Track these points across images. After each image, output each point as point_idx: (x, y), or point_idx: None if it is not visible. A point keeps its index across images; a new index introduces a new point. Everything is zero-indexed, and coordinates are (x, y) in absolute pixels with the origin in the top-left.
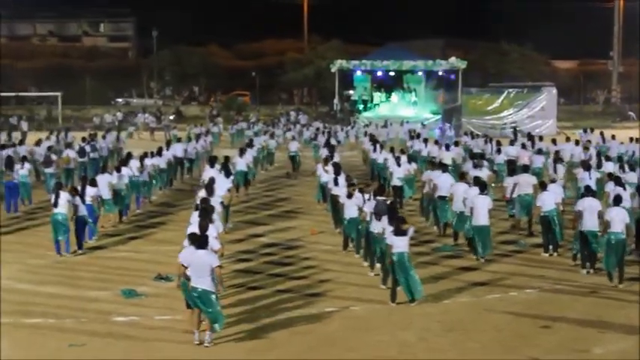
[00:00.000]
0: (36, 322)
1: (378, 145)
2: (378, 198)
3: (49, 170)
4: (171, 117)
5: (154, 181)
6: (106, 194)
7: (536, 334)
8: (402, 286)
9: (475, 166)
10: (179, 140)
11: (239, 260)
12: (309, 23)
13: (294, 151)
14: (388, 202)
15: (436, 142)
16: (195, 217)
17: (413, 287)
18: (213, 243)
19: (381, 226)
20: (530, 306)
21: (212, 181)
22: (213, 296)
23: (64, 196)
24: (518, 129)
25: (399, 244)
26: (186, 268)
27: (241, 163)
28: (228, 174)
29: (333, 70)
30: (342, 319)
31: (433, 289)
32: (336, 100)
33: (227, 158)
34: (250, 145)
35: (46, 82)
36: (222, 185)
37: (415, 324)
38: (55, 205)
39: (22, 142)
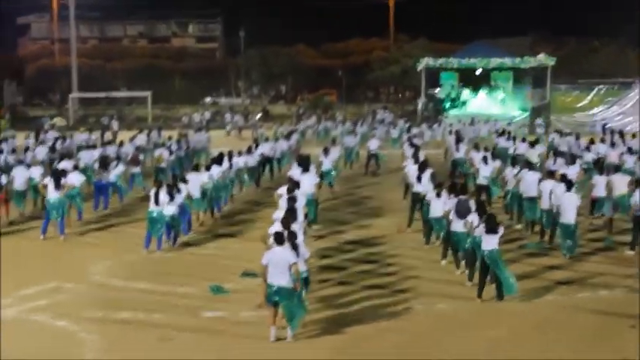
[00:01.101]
0: (126, 317)
1: (460, 144)
2: (461, 197)
3: (136, 170)
4: (258, 116)
5: (243, 180)
6: (196, 192)
7: (624, 333)
8: (496, 283)
9: (565, 164)
10: (267, 139)
11: (323, 257)
12: (395, 22)
13: (374, 150)
14: (470, 200)
15: (523, 140)
16: (279, 214)
17: (506, 284)
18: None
19: (463, 225)
20: (618, 305)
21: (293, 178)
22: (292, 293)
23: (163, 193)
24: (608, 126)
25: (491, 242)
26: (266, 266)
27: (327, 162)
28: (306, 170)
29: (419, 68)
30: (428, 317)
31: (520, 287)
32: (420, 100)
33: (307, 157)
34: (334, 143)
35: (136, 82)
36: (308, 183)
37: (503, 322)
38: (157, 202)
39: (112, 142)
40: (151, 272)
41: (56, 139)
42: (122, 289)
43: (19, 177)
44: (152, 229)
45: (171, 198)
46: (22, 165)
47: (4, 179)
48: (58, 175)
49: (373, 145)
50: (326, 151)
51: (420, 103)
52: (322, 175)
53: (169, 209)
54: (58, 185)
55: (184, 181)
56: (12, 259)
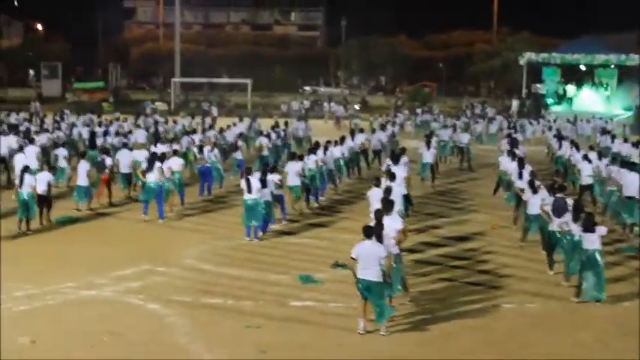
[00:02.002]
0: (215, 303)
1: (563, 141)
2: (558, 195)
3: (236, 156)
4: (357, 106)
5: (338, 170)
6: (293, 181)
7: None
8: (589, 285)
9: None
10: (362, 130)
11: (418, 251)
12: (498, 14)
13: (464, 143)
14: (568, 199)
15: (625, 140)
16: (373, 207)
17: (598, 287)
18: (390, 233)
19: (560, 223)
20: None
21: (389, 170)
22: (381, 288)
23: (255, 181)
24: None
25: (591, 241)
26: (355, 260)
27: (427, 155)
28: (396, 162)
29: (521, 62)
30: (518, 316)
31: (614, 290)
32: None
33: (402, 150)
34: (432, 136)
35: (237, 69)
36: (400, 174)
37: (593, 325)
38: (249, 190)
39: (211, 127)
40: (243, 259)
41: (156, 122)
42: (213, 275)
43: (124, 159)
44: (249, 216)
45: (263, 185)
46: (126, 147)
47: (108, 161)
48: (154, 159)
49: (464, 138)
50: (428, 144)
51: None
52: (423, 168)
53: (261, 196)
54: (151, 169)
55: (274, 169)
56: (110, 240)
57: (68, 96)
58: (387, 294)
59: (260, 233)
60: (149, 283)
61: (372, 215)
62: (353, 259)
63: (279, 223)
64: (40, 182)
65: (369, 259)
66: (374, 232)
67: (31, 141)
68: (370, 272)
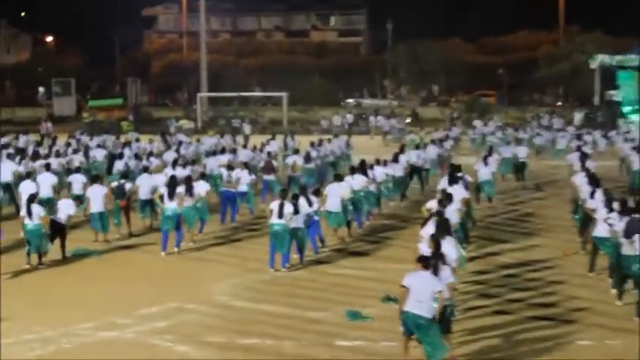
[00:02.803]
0: (252, 343)
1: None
2: (634, 215)
3: (269, 177)
4: (407, 120)
5: (385, 192)
6: (335, 206)
7: None
8: None
9: None
10: (417, 146)
11: (474, 282)
12: (566, 12)
13: (522, 158)
14: None
15: None
16: (427, 230)
17: None
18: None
19: (632, 247)
20: None
21: (444, 191)
22: (432, 325)
23: (288, 206)
24: None
25: None
26: (406, 289)
27: (485, 173)
28: (454, 183)
29: (592, 66)
30: (595, 353)
31: None
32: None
33: (457, 167)
34: (491, 152)
35: (271, 81)
36: (457, 195)
37: None
38: (280, 215)
39: (244, 146)
40: (279, 293)
41: (179, 143)
42: (248, 312)
43: (144, 185)
44: (276, 244)
45: (296, 210)
46: (146, 172)
47: (127, 186)
48: (174, 184)
49: (521, 152)
50: (485, 160)
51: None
52: (479, 188)
53: (293, 222)
54: (172, 195)
55: (317, 192)
56: (131, 274)
57: (85, 115)
58: (438, 332)
59: (288, 263)
60: (177, 322)
61: (424, 240)
62: (403, 287)
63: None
64: (63, 210)
65: (423, 292)
66: (432, 262)
67: (47, 167)
68: (423, 307)
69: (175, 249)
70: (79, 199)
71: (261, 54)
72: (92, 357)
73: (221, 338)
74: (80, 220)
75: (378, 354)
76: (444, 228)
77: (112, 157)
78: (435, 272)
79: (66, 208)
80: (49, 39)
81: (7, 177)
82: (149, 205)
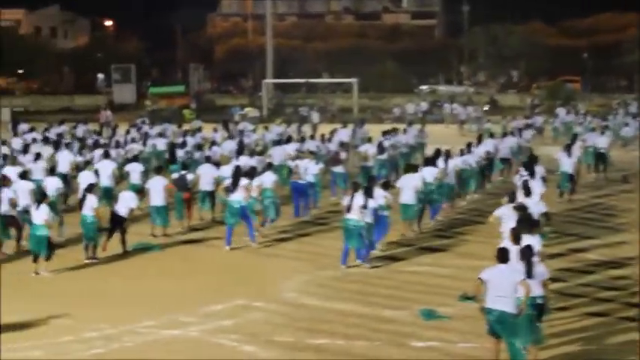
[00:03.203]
0: (322, 343)
1: None
2: None
3: (337, 169)
4: (485, 107)
5: (461, 184)
6: (409, 197)
7: None
8: None
9: None
10: (492, 135)
11: (559, 280)
12: None
13: (602, 148)
14: None
15: None
16: (507, 226)
17: None
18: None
19: None
20: None
21: (525, 183)
22: (517, 322)
23: (359, 199)
24: None
25: None
26: (482, 283)
27: (567, 164)
28: (532, 175)
29: None
30: None
31: None
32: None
33: (535, 158)
34: (575, 141)
35: (341, 66)
36: (535, 189)
37: None
38: (348, 209)
39: (312, 136)
40: (351, 291)
41: (242, 132)
42: (318, 310)
43: (205, 175)
44: (349, 240)
45: (365, 205)
46: (208, 162)
47: (189, 177)
48: (239, 175)
49: (602, 142)
50: (568, 151)
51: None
52: (562, 179)
53: (364, 217)
54: (237, 186)
55: (387, 185)
56: (194, 270)
57: (148, 103)
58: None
59: (368, 258)
60: (243, 320)
61: (505, 237)
62: (480, 279)
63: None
64: (124, 202)
65: (504, 287)
66: (523, 257)
67: (106, 155)
68: (505, 302)
69: (252, 244)
70: (141, 192)
71: (330, 38)
72: (155, 356)
73: (289, 338)
74: (140, 213)
75: (454, 356)
76: (525, 223)
77: (173, 147)
78: (529, 268)
79: (127, 201)
80: (108, 23)
81: (64, 168)
82: (210, 197)
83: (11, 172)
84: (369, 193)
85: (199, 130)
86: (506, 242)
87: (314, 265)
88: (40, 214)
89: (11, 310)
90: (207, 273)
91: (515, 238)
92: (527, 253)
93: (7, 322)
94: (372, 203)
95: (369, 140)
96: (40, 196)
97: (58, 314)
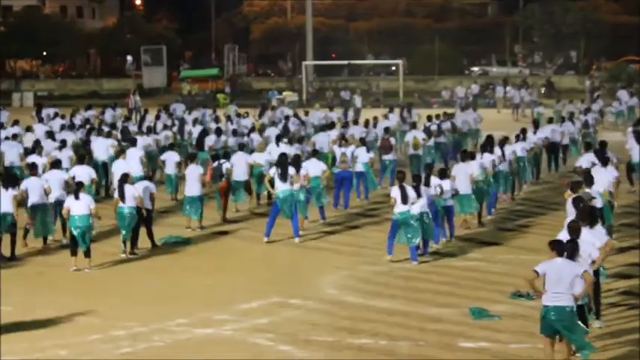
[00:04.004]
0: (364, 344)
1: None
2: None
3: (388, 157)
4: (541, 90)
5: (520, 173)
6: (464, 187)
7: None
8: None
9: None
10: (550, 121)
11: (626, 276)
12: None
13: None
14: None
15: None
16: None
17: None
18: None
19: None
20: None
21: (587, 172)
22: (576, 318)
23: (410, 190)
24: None
25: None
26: (537, 276)
27: (637, 152)
28: (604, 162)
29: None
30: None
31: None
32: None
33: (603, 144)
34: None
35: (385, 47)
36: (602, 178)
37: None
38: (404, 200)
39: (356, 122)
40: (396, 288)
41: (286, 117)
42: (360, 308)
43: (239, 164)
44: (400, 234)
45: (419, 194)
46: (243, 150)
47: (226, 166)
48: (285, 163)
49: None
50: (638, 137)
51: None
52: (631, 168)
53: (416, 208)
54: (284, 176)
55: (444, 173)
56: (229, 265)
57: (183, 86)
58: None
59: (418, 253)
60: (280, 319)
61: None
62: (535, 272)
63: (438, 242)
64: (144, 193)
65: (562, 282)
66: (567, 249)
67: (133, 142)
68: (563, 298)
69: (296, 239)
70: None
71: (374, 16)
72: (186, 356)
73: (328, 337)
74: (171, 204)
75: (506, 357)
76: (590, 214)
77: (204, 133)
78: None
79: (147, 191)
80: (138, 2)
81: (103, 155)
82: (245, 187)
83: (37, 160)
84: (426, 182)
85: (237, 115)
86: (563, 234)
87: (357, 260)
88: (84, 204)
89: (35, 306)
90: (242, 268)
91: (574, 231)
92: (571, 247)
93: (30, 319)
94: (429, 192)
95: (415, 126)
96: (76, 185)
97: (84, 311)
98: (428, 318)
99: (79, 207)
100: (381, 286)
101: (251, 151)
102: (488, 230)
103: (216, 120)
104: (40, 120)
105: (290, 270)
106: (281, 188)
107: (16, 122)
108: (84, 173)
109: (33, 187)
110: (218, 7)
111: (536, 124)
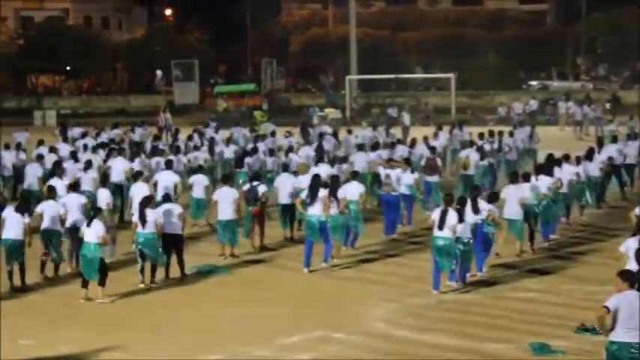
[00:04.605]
0: None
1: None
2: None
3: (432, 179)
4: (606, 106)
5: (578, 196)
6: (514, 212)
7: None
8: None
9: None
10: (615, 139)
11: None
12: None
13: None
14: None
15: None
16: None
17: None
18: None
19: None
20: None
21: None
22: None
23: (452, 214)
24: None
25: None
26: (608, 312)
27: None
28: None
29: None
30: None
31: None
32: None
33: None
34: None
35: (436, 59)
36: None
37: None
38: (440, 226)
39: (400, 141)
40: (447, 321)
41: (321, 135)
42: (409, 343)
43: (284, 187)
44: (440, 262)
45: (461, 219)
46: (286, 171)
47: (261, 189)
48: (317, 185)
49: None
50: None
51: None
52: None
53: (459, 233)
54: (313, 199)
55: (493, 197)
56: (266, 296)
57: (219, 103)
58: None
59: (456, 283)
60: (323, 354)
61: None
62: (606, 308)
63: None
64: (174, 217)
65: (635, 316)
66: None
67: (168, 165)
68: (635, 334)
69: (323, 265)
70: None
71: (423, 26)
72: None
73: None
74: (202, 231)
75: None
76: None
77: (243, 154)
78: None
79: (177, 215)
80: (168, 12)
81: (118, 177)
82: (290, 211)
83: (58, 183)
84: (473, 206)
85: (272, 134)
86: (632, 263)
87: (404, 291)
88: (93, 232)
89: (59, 341)
90: (281, 299)
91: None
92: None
93: (54, 355)
94: (472, 218)
95: (470, 145)
96: (92, 210)
97: (110, 346)
98: (483, 354)
99: (90, 234)
100: (431, 319)
101: (294, 173)
102: (545, 258)
103: (256, 139)
104: (65, 140)
105: (332, 302)
106: (310, 212)
107: (40, 142)
108: (102, 197)
109: (48, 212)
110: (254, 17)
111: (600, 143)
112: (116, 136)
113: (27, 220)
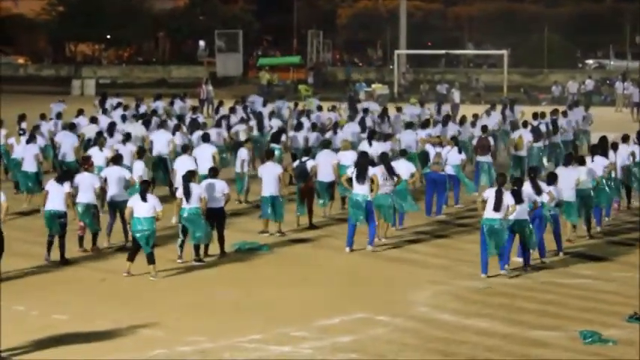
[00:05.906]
0: None
1: None
2: None
3: (482, 159)
4: None
5: (633, 179)
6: (568, 194)
7: None
8: None
9: None
10: None
11: None
12: None
13: None
14: None
15: None
16: None
17: None
18: None
19: None
20: None
21: None
22: None
23: (508, 195)
24: None
25: None
26: None
27: None
28: None
29: None
30: None
31: None
32: None
33: None
34: None
35: (488, 35)
36: None
37: None
38: (497, 208)
39: (450, 118)
40: (495, 306)
41: (365, 110)
42: (454, 328)
43: (324, 164)
44: (490, 244)
45: (519, 199)
46: (327, 148)
47: (309, 164)
48: (365, 164)
49: None
50: None
51: None
52: None
53: (515, 215)
54: (362, 177)
55: (553, 178)
56: (308, 275)
57: (261, 75)
58: None
59: (507, 266)
60: (365, 337)
61: None
62: None
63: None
64: (217, 192)
65: None
66: None
67: (206, 138)
68: None
69: (369, 247)
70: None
71: (476, 1)
72: None
73: (419, 358)
74: (242, 207)
75: None
76: None
77: (281, 129)
78: None
79: (213, 191)
80: None
81: (161, 149)
82: (330, 189)
83: (97, 154)
84: (534, 186)
85: (318, 109)
86: None
87: (450, 274)
88: (151, 206)
89: (94, 316)
90: (323, 280)
91: None
92: None
93: (88, 330)
94: (531, 197)
95: (523, 125)
96: (140, 185)
97: (146, 323)
98: (531, 341)
99: (145, 209)
100: (479, 304)
101: (336, 150)
102: (598, 244)
103: (300, 114)
104: (104, 111)
105: (376, 283)
106: (355, 191)
107: (80, 112)
108: (136, 170)
109: (83, 184)
110: None
111: None
112: (159, 108)
113: (68, 189)
